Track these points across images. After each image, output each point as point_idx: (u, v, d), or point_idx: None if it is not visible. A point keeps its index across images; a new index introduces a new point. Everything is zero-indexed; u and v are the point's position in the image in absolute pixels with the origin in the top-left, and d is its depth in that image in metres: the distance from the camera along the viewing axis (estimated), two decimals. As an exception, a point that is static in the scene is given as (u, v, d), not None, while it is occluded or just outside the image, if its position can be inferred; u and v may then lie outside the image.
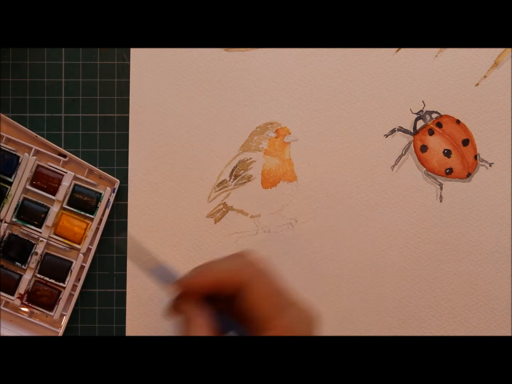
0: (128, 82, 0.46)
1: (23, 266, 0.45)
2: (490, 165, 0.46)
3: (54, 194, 0.45)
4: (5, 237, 0.45)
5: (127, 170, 0.46)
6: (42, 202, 0.46)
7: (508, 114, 0.46)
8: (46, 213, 0.45)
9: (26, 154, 0.45)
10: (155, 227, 0.46)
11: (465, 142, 0.47)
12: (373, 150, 0.46)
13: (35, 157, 0.45)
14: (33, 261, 0.45)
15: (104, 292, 0.46)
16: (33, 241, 0.46)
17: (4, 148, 0.45)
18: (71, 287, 0.45)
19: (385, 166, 0.46)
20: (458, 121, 0.47)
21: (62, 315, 0.45)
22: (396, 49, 0.47)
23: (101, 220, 0.45)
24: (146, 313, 0.46)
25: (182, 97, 0.46)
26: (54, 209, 0.45)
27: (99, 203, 0.45)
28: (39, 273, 0.45)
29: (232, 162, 0.46)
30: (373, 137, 0.46)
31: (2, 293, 0.45)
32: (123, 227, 0.46)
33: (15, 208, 0.45)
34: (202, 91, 0.46)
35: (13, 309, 0.46)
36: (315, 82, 0.47)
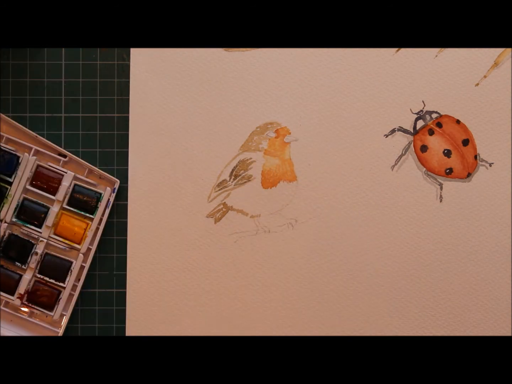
0: (128, 82, 0.46)
1: (23, 266, 0.45)
2: (490, 165, 0.46)
3: (54, 194, 0.45)
4: (5, 237, 0.45)
5: (127, 170, 0.46)
6: (42, 202, 0.46)
7: (508, 114, 0.46)
8: (46, 213, 0.45)
9: (26, 154, 0.45)
10: (155, 227, 0.46)
11: (465, 142, 0.47)
12: (373, 150, 0.46)
13: (35, 157, 0.45)
14: (33, 261, 0.45)
15: (104, 292, 0.46)
16: (33, 241, 0.46)
17: (4, 148, 0.45)
18: (71, 287, 0.45)
19: (385, 166, 0.46)
20: (458, 121, 0.47)
21: (62, 315, 0.45)
22: (396, 49, 0.47)
23: (101, 220, 0.45)
24: (146, 313, 0.46)
25: (182, 97, 0.46)
26: (54, 209, 0.45)
27: (99, 203, 0.45)
28: (39, 273, 0.45)
29: (232, 162, 0.46)
30: (373, 137, 0.46)
31: (2, 293, 0.45)
32: (123, 227, 0.46)
33: (15, 208, 0.45)
34: (202, 91, 0.46)
35: (13, 309, 0.46)
36: (315, 82, 0.47)
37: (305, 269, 0.46)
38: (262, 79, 0.46)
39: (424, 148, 0.47)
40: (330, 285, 0.46)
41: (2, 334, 0.45)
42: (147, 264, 0.46)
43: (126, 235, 0.46)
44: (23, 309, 0.46)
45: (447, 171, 0.47)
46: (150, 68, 0.46)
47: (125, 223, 0.46)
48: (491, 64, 0.47)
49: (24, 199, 0.46)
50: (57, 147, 0.45)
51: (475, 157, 0.47)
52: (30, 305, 0.45)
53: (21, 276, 0.45)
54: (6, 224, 0.45)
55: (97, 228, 0.45)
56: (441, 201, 0.46)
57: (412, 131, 0.47)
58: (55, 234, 0.46)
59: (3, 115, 0.45)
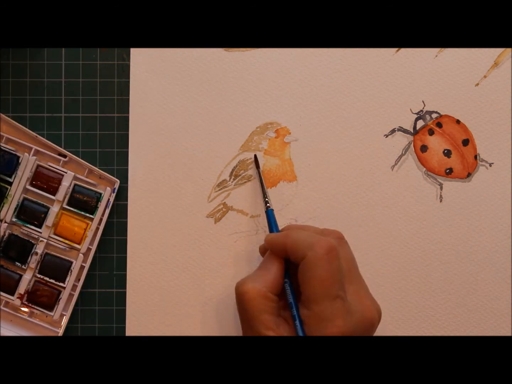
0: (128, 82, 0.46)
1: (23, 266, 0.45)
2: (490, 165, 0.46)
3: (54, 194, 0.45)
4: (5, 237, 0.45)
5: (127, 170, 0.46)
6: (42, 202, 0.46)
7: (508, 114, 0.46)
8: (46, 213, 0.45)
9: (26, 154, 0.45)
10: (155, 227, 0.46)
11: (465, 142, 0.47)
12: (373, 150, 0.46)
13: (35, 157, 0.45)
14: (33, 261, 0.45)
15: (104, 292, 0.46)
16: (33, 241, 0.46)
17: (4, 148, 0.45)
18: (71, 287, 0.45)
19: (385, 166, 0.46)
20: (458, 121, 0.47)
21: (62, 315, 0.45)
22: (396, 49, 0.47)
23: (101, 220, 0.45)
24: (146, 313, 0.46)
25: (182, 97, 0.46)
26: (54, 209, 0.45)
27: (99, 203, 0.45)
28: (39, 273, 0.45)
29: (232, 162, 0.46)
30: (373, 137, 0.46)
31: (2, 293, 0.45)
32: (123, 227, 0.46)
33: (15, 208, 0.45)
34: (202, 91, 0.46)
35: (13, 309, 0.46)
36: (315, 82, 0.47)
37: (305, 269, 0.46)
38: (262, 79, 0.46)
39: (424, 148, 0.47)
40: (330, 285, 0.46)
41: (2, 334, 0.45)
42: (147, 264, 0.46)
43: (126, 235, 0.46)
44: (23, 309, 0.46)
45: (447, 171, 0.46)
46: (150, 68, 0.46)
47: (125, 223, 0.46)
48: (491, 64, 0.47)
49: (24, 199, 0.46)
50: (57, 147, 0.45)
51: (475, 157, 0.47)
52: (30, 305, 0.45)
53: (21, 276, 0.45)
54: (6, 224, 0.45)
55: (97, 228, 0.45)
56: (441, 201, 0.46)
57: (412, 131, 0.47)
58: (55, 234, 0.46)
59: (3, 115, 0.45)
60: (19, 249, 0.45)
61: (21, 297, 0.45)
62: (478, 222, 0.46)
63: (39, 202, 0.46)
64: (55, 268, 0.45)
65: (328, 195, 0.46)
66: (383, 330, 0.46)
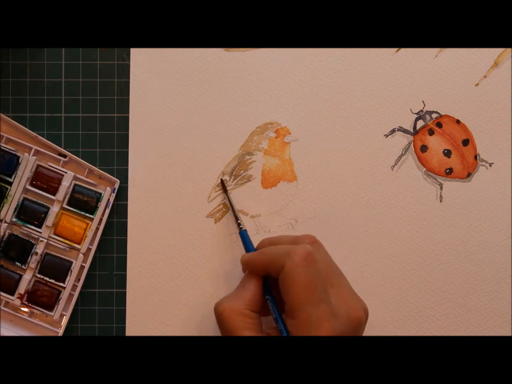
0: (128, 82, 0.46)
1: (23, 266, 0.45)
2: (490, 165, 0.46)
3: (54, 194, 0.45)
4: (5, 237, 0.45)
5: (127, 170, 0.46)
6: (42, 202, 0.46)
7: (508, 114, 0.46)
8: (46, 213, 0.45)
9: (26, 154, 0.45)
10: (155, 227, 0.46)
11: (465, 142, 0.47)
12: (373, 150, 0.46)
13: (35, 157, 0.45)
14: (33, 261, 0.45)
15: (104, 292, 0.46)
16: (33, 241, 0.46)
17: (4, 148, 0.45)
18: (71, 287, 0.45)
19: (385, 166, 0.46)
20: (458, 121, 0.47)
21: (62, 315, 0.45)
22: (396, 49, 0.47)
23: (101, 220, 0.45)
24: (146, 313, 0.46)
25: (182, 97, 0.46)
26: (54, 209, 0.45)
27: (99, 203, 0.45)
28: (39, 273, 0.45)
29: (232, 162, 0.46)
30: (373, 137, 0.46)
31: (2, 293, 0.45)
32: (123, 227, 0.46)
33: (15, 208, 0.45)
34: (202, 91, 0.46)
35: (13, 309, 0.46)
36: (315, 82, 0.47)
37: (305, 269, 0.46)
38: (262, 79, 0.46)
39: (424, 148, 0.47)
40: (330, 285, 0.46)
41: (2, 334, 0.45)
42: (147, 264, 0.46)
43: (126, 235, 0.46)
44: (23, 309, 0.46)
45: (447, 171, 0.46)
46: (150, 68, 0.46)
47: (125, 223, 0.46)
48: (491, 64, 0.46)
49: (24, 199, 0.46)
50: (57, 147, 0.45)
51: (475, 157, 0.47)
52: (30, 305, 0.45)
53: (21, 276, 0.45)
54: (6, 224, 0.45)
55: (97, 228, 0.45)
56: (441, 201, 0.46)
57: (412, 131, 0.47)
58: (55, 234, 0.46)
59: (3, 115, 0.45)
60: (19, 249, 0.45)
61: (21, 297, 0.45)
62: (478, 222, 0.46)
63: (39, 202, 0.46)
64: (55, 268, 0.45)
65: (328, 195, 0.46)
66: (383, 330, 0.46)
